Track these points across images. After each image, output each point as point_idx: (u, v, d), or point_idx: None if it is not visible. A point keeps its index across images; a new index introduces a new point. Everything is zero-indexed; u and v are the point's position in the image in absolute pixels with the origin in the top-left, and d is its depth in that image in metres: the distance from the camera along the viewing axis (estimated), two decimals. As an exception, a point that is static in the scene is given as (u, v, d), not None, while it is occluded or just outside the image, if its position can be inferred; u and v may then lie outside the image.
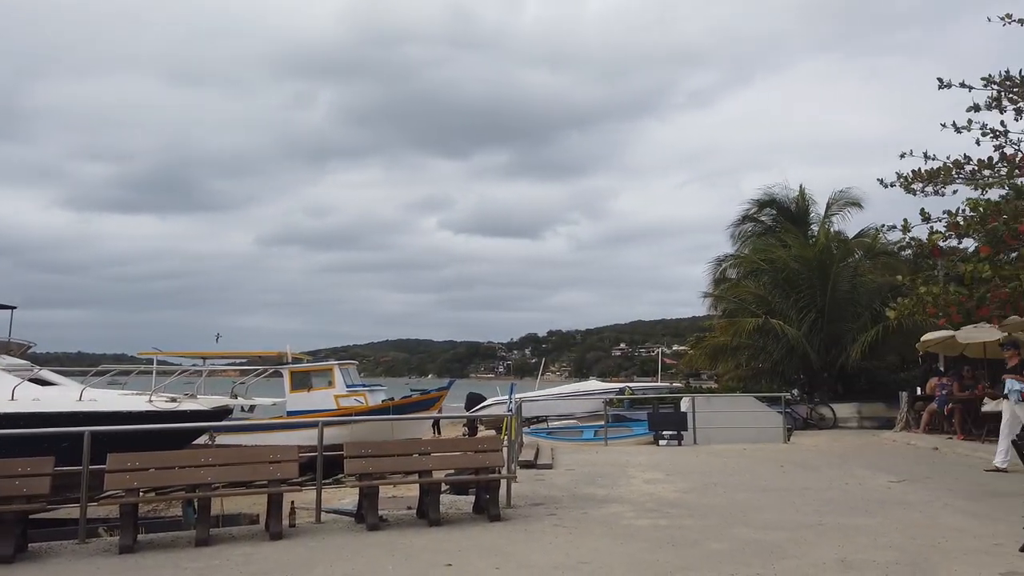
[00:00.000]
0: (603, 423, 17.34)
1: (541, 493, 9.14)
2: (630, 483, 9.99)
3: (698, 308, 28.33)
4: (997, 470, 10.53)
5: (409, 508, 8.33)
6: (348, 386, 22.56)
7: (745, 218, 27.00)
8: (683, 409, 16.10)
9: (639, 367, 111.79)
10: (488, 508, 7.60)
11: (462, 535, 6.88)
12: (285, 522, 7.14)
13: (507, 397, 21.19)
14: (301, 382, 22.47)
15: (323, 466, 7.80)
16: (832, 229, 23.76)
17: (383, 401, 22.95)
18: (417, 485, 7.71)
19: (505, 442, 8.92)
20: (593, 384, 32.06)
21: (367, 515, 7.21)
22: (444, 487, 8.88)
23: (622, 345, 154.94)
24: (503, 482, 8.02)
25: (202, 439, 15.78)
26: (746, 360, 23.03)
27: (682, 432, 14.98)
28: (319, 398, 21.74)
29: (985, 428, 13.97)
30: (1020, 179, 13.07)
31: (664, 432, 15.03)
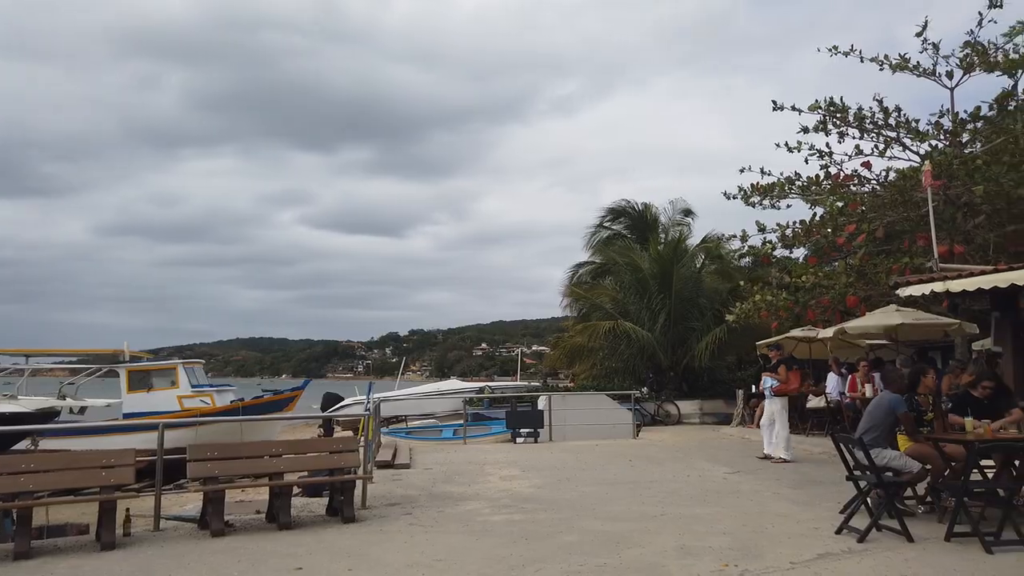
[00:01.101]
0: (462, 422, 17.44)
1: (398, 493, 9.06)
2: (487, 480, 10.11)
3: (558, 309, 29.20)
4: (767, 457, 11.80)
5: (258, 512, 8.00)
6: (193, 386, 21.34)
7: (600, 226, 28.19)
8: (540, 407, 16.49)
9: (499, 367, 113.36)
10: (342, 510, 7.44)
11: (314, 538, 6.69)
12: (119, 531, 6.64)
13: (365, 397, 20.85)
14: (140, 382, 21.00)
15: (164, 471, 7.34)
16: (678, 237, 25.16)
17: (232, 402, 21.86)
18: (268, 489, 7.42)
19: (361, 442, 8.76)
20: (453, 383, 32.16)
21: (211, 521, 6.85)
22: (297, 490, 8.61)
23: (483, 345, 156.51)
24: (358, 483, 7.88)
25: (23, 444, 14.37)
26: (601, 360, 23.95)
27: (539, 429, 15.36)
28: (161, 399, 20.41)
29: (809, 422, 15.33)
30: (844, 195, 14.45)
31: (521, 430, 15.35)
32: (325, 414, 23.10)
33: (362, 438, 9.16)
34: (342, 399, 24.92)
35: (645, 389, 21.34)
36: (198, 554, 6.13)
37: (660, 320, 21.79)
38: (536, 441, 15.13)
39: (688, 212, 26.75)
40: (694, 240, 25.48)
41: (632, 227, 27.50)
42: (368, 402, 12.49)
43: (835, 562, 5.60)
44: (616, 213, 27.92)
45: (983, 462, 7.41)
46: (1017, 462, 7.17)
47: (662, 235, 26.65)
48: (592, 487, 9.47)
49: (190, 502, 9.64)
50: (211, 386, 22.81)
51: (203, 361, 26.02)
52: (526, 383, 32.65)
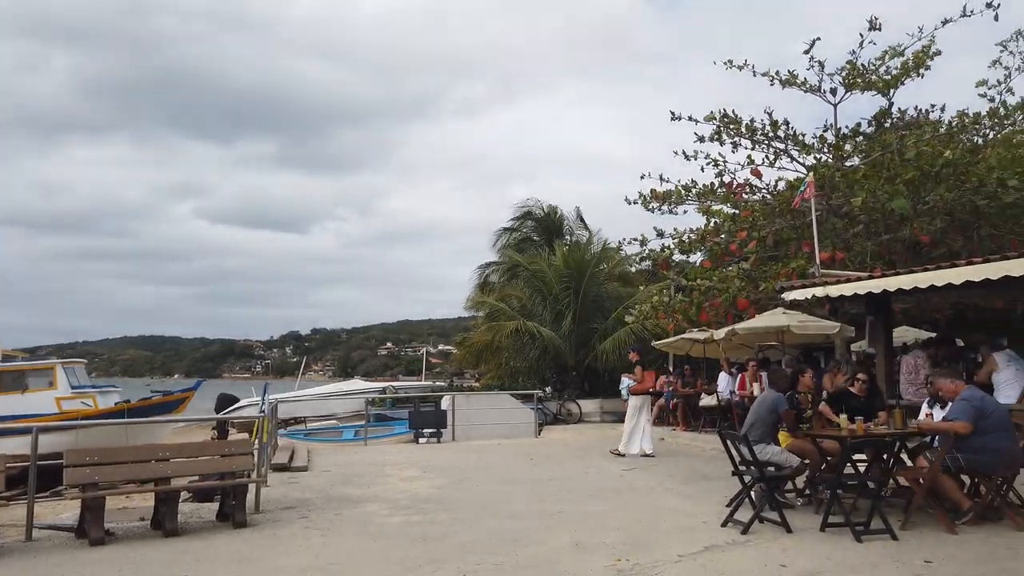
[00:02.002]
0: (364, 423, 17.18)
1: (294, 496, 8.84)
2: (387, 482, 10.01)
3: (465, 309, 29.23)
4: (619, 454, 12.24)
5: (142, 519, 7.62)
6: (73, 387, 20.05)
7: (507, 229, 28.50)
8: (444, 407, 16.46)
9: (405, 366, 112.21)
10: (234, 515, 7.19)
11: (203, 544, 6.44)
12: (-16, 543, 6.19)
13: (260, 398, 20.20)
14: (14, 383, 19.58)
15: (39, 477, 6.90)
16: (584, 240, 25.73)
17: (117, 404, 20.69)
18: (154, 495, 7.08)
19: (256, 445, 8.49)
20: (356, 384, 31.64)
21: (90, 529, 6.48)
22: (186, 495, 8.25)
23: (389, 344, 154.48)
24: (252, 487, 7.64)
25: None
26: (506, 360, 24.15)
27: (442, 429, 15.32)
28: (37, 401, 19.08)
29: (702, 419, 15.94)
30: (737, 203, 15.12)
31: (424, 430, 15.28)
32: (219, 416, 22.21)
33: (256, 440, 8.88)
34: (237, 400, 24.04)
35: (549, 389, 21.68)
36: (74, 565, 5.79)
37: (565, 321, 22.17)
38: (439, 441, 15.09)
39: (582, 218, 27.48)
40: (597, 243, 26.07)
41: (539, 228, 27.95)
42: (263, 403, 12.10)
43: (720, 553, 5.86)
44: (524, 214, 28.34)
45: (857, 456, 7.94)
46: (886, 456, 7.74)
47: (567, 237, 27.17)
48: (493, 486, 9.53)
49: (68, 510, 9.08)
50: (94, 387, 21.49)
51: (85, 361, 24.49)
52: (431, 383, 32.50)
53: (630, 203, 15.65)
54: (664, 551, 5.93)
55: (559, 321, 22.28)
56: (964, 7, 12.84)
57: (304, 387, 29.98)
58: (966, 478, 7.03)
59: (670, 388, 17.28)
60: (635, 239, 16.52)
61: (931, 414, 7.80)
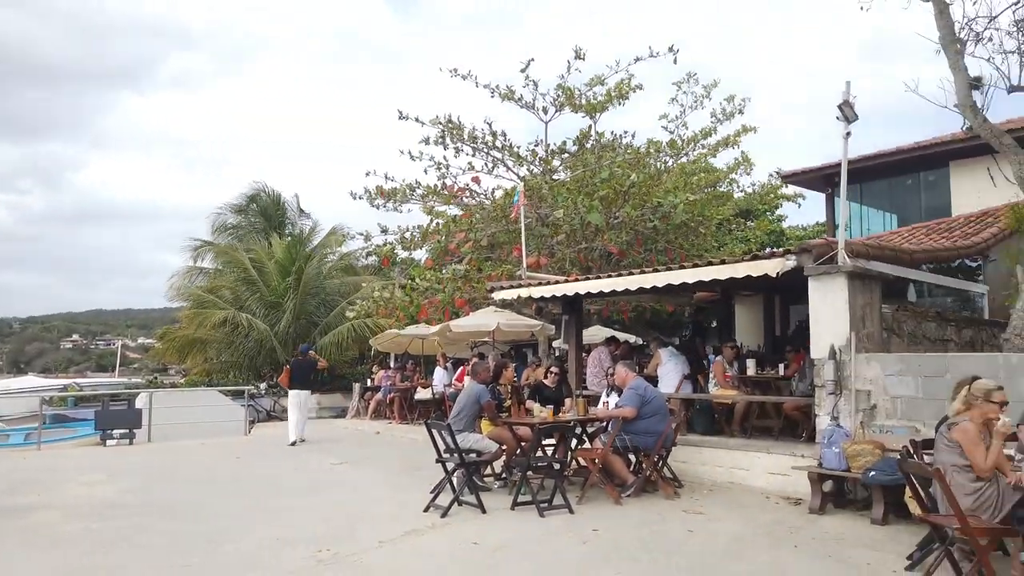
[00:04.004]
0: (37, 425, 15.01)
1: (-63, 511, 7.50)
2: (65, 488, 8.90)
3: (171, 299, 26.74)
4: (294, 444, 12.94)
5: None
6: None
7: (225, 214, 26.76)
8: (139, 405, 15.01)
9: (96, 361, 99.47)
10: None
11: None
12: None
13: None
14: None
15: None
16: (306, 231, 25.08)
17: None
18: None
19: None
20: (30, 381, 27.50)
21: None
22: None
23: (75, 337, 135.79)
24: None
25: None
26: (216, 354, 22.66)
27: (135, 430, 13.97)
28: None
29: (417, 412, 16.42)
30: (457, 205, 15.83)
31: (114, 431, 13.80)
32: None
33: None
34: None
35: (264, 385, 20.79)
36: None
37: (284, 314, 21.41)
38: (132, 443, 13.73)
39: (304, 211, 26.88)
40: (321, 235, 25.57)
41: (261, 215, 26.60)
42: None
43: (419, 537, 6.17)
44: (248, 200, 26.74)
45: (548, 441, 8.81)
46: (573, 441, 8.69)
47: (290, 227, 26.25)
48: (192, 486, 8.97)
49: None
50: None
51: None
52: (127, 380, 29.33)
53: (355, 198, 15.62)
54: (366, 539, 6.08)
55: (277, 314, 21.46)
56: (650, 48, 14.80)
57: (-39, 385, 25.33)
58: (633, 457, 8.15)
59: (388, 383, 17.56)
60: (360, 233, 16.58)
61: (607, 402, 8.92)
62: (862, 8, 7.98)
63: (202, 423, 14.86)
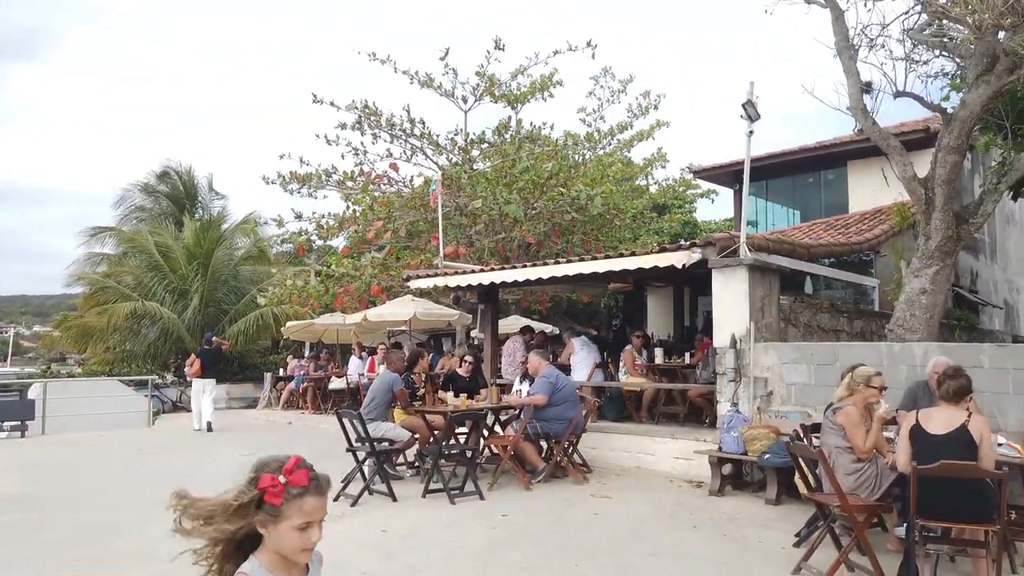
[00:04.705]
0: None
1: None
2: (-55, 484, 8.38)
3: (69, 285, 25.33)
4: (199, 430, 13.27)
5: None
6: None
7: (134, 192, 25.52)
8: (32, 396, 14.23)
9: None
10: None
11: None
12: None
13: None
14: None
15: None
16: (215, 215, 24.22)
17: None
18: None
19: None
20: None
21: None
22: None
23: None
24: None
25: None
26: (118, 343, 21.67)
27: (27, 422, 13.25)
28: None
29: (331, 402, 16.18)
30: (374, 193, 15.64)
31: (3, 423, 13.05)
32: None
33: None
34: None
35: (170, 374, 20.05)
36: None
37: (192, 302, 20.65)
38: (23, 436, 13.02)
39: (216, 192, 25.97)
40: (233, 220, 24.75)
41: (172, 195, 25.46)
42: None
43: (326, 526, 6.08)
44: (156, 179, 25.53)
45: (462, 430, 8.87)
46: (484, 428, 8.77)
47: (200, 211, 25.29)
48: (88, 480, 8.61)
49: None
50: None
51: None
52: (19, 370, 27.69)
53: (268, 182, 15.23)
54: (273, 529, 5.98)
55: (185, 301, 20.68)
56: (568, 42, 14.99)
57: None
58: (544, 443, 8.29)
59: (301, 372, 17.23)
60: (273, 219, 16.17)
61: (520, 390, 9.04)
62: (766, 11, 8.30)
63: (102, 415, 14.21)
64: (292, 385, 17.27)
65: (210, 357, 13.75)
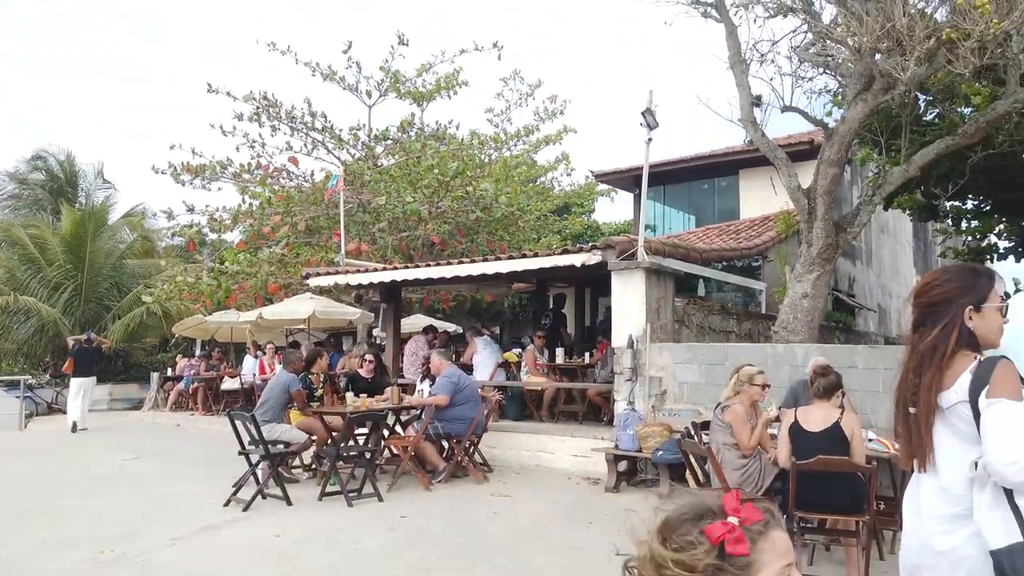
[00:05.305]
0: None
1: None
2: None
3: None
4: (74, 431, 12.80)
5: None
6: None
7: (3, 179, 23.71)
8: None
9: None
10: None
11: None
12: None
13: None
14: None
15: None
16: (97, 205, 22.83)
17: None
18: None
19: None
20: None
21: None
22: None
23: None
24: None
25: None
26: (-15, 340, 20.06)
27: None
28: None
29: (224, 403, 15.57)
30: (272, 187, 15.15)
31: None
32: None
33: None
34: None
35: (46, 375, 18.75)
36: None
37: (68, 296, 19.35)
38: None
39: (106, 180, 24.48)
40: (118, 211, 23.40)
41: (47, 184, 23.80)
42: None
43: (217, 532, 5.88)
44: (30, 166, 23.80)
45: (362, 431, 8.71)
46: (384, 429, 8.65)
47: (81, 199, 23.78)
48: (-52, 490, 7.91)
49: None
50: None
51: None
52: None
53: (158, 172, 14.49)
54: (158, 537, 5.70)
55: (61, 296, 19.36)
56: (475, 42, 15.04)
57: None
58: (445, 443, 8.27)
59: (192, 372, 16.48)
60: (163, 211, 15.39)
61: (422, 390, 8.98)
62: (666, 23, 8.59)
63: (-34, 418, 13.16)
64: (181, 385, 16.50)
65: (88, 356, 12.97)
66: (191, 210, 14.55)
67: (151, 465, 9.57)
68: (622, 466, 7.63)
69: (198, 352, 18.78)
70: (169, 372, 18.09)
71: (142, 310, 19.03)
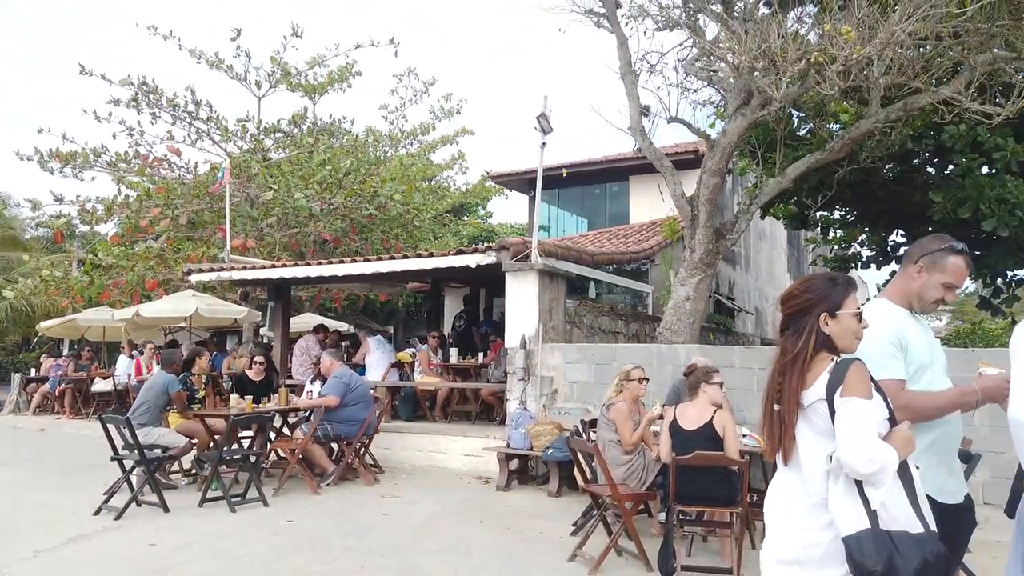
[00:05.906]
0: None
1: None
2: None
3: None
4: None
5: None
6: None
7: None
8: None
9: None
10: None
11: None
12: None
13: None
14: None
15: None
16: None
17: None
18: None
19: None
20: None
21: None
22: None
23: None
24: None
25: None
26: None
27: None
28: None
29: (94, 406, 14.63)
30: (152, 177, 14.37)
31: None
32: None
33: None
34: None
35: None
36: None
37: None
38: None
39: None
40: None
41: None
42: None
43: (86, 542, 5.53)
44: None
45: (247, 433, 8.41)
46: (271, 431, 8.40)
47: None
48: None
49: None
50: None
51: None
52: None
53: (22, 159, 13.45)
54: (18, 550, 5.30)
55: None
56: (371, 37, 14.83)
57: None
58: (335, 445, 8.11)
59: (59, 373, 15.38)
60: (28, 200, 14.30)
61: (311, 391, 8.77)
62: (560, 30, 8.78)
63: None
64: (47, 387, 15.36)
65: None
66: (59, 200, 13.58)
67: (11, 473, 8.88)
68: (513, 464, 7.74)
69: (66, 351, 17.57)
70: (33, 373, 16.82)
71: (3, 306, 17.65)
